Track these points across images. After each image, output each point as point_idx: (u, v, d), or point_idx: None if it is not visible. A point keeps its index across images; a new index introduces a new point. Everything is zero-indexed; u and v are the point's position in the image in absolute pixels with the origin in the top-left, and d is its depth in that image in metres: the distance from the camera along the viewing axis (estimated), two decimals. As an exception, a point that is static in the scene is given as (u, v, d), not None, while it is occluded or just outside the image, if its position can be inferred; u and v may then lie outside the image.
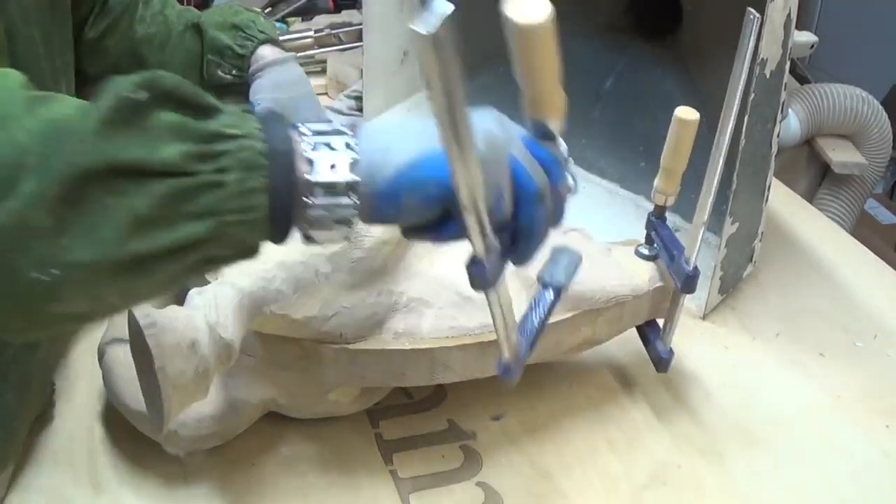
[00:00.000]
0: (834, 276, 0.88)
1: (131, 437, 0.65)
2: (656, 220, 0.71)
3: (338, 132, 0.45)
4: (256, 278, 0.57)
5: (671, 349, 0.69)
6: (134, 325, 0.51)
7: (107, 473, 0.62)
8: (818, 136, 1.39)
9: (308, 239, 0.45)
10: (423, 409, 0.70)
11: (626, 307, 0.68)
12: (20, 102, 0.39)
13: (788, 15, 0.72)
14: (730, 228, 0.77)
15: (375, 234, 0.61)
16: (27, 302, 0.39)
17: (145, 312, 0.51)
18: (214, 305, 0.54)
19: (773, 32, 0.70)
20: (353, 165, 0.43)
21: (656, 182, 0.69)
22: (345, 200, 0.43)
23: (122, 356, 0.62)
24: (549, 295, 0.58)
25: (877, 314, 0.83)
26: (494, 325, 0.52)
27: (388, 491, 0.63)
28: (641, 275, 0.69)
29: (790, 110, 1.33)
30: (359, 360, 0.60)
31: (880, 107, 1.37)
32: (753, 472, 0.66)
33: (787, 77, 0.75)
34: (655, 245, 0.71)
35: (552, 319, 0.63)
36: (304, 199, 0.43)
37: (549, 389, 0.71)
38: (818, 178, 1.44)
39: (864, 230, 1.53)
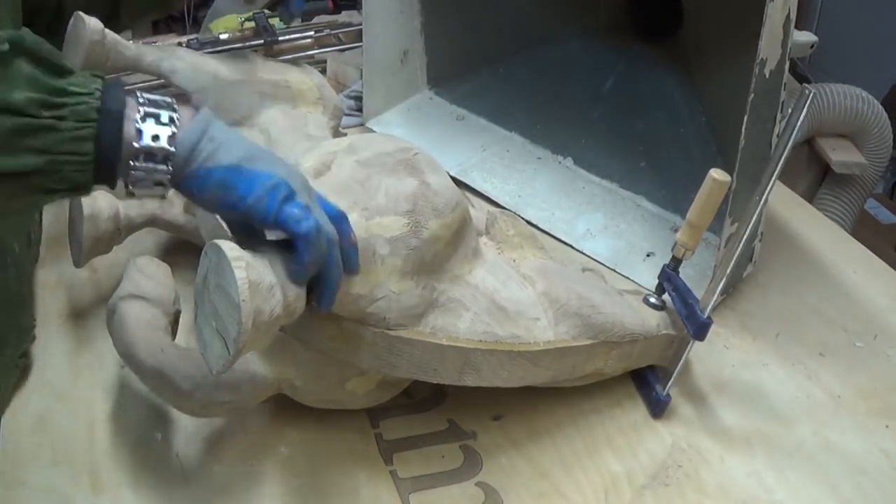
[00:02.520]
0: (834, 276, 0.88)
1: (131, 437, 0.65)
2: (671, 272, 0.72)
3: (169, 106, 0.51)
4: None
5: (668, 394, 0.70)
6: (217, 256, 0.51)
7: (107, 473, 0.62)
8: (818, 136, 1.39)
9: (130, 194, 0.52)
10: (423, 409, 0.70)
11: (637, 346, 0.70)
12: None
13: (788, 15, 0.72)
14: (730, 228, 0.77)
15: (433, 228, 0.61)
16: None
17: (232, 245, 0.51)
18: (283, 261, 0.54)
19: (773, 32, 0.70)
20: (171, 139, 0.51)
21: (679, 236, 0.71)
22: (161, 167, 0.51)
23: (139, 312, 0.63)
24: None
25: (877, 314, 0.83)
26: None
27: (388, 491, 0.63)
28: (651, 319, 0.71)
29: (790, 110, 1.33)
30: (395, 348, 0.61)
31: (880, 107, 1.37)
32: (753, 472, 0.66)
33: (787, 77, 0.75)
34: (664, 297, 0.74)
35: (571, 344, 0.66)
36: (130, 162, 0.50)
37: (549, 389, 0.71)
38: (818, 178, 1.44)
39: (864, 230, 1.53)
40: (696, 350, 0.76)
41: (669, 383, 0.70)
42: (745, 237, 0.66)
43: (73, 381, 0.70)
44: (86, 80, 0.50)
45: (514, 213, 0.78)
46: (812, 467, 0.66)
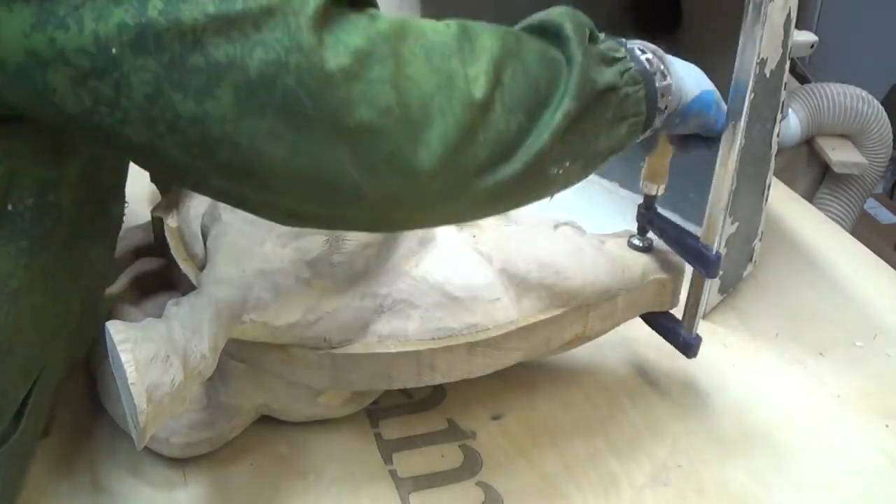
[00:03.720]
0: (834, 276, 0.88)
1: (131, 438, 0.64)
2: (652, 214, 0.69)
3: (655, 53, 0.56)
4: (233, 287, 0.56)
5: (698, 335, 0.68)
6: (109, 341, 0.51)
7: (107, 473, 0.62)
8: (818, 135, 1.39)
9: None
10: (422, 409, 0.70)
11: (619, 301, 0.67)
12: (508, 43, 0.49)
13: (788, 15, 0.72)
14: (730, 228, 0.77)
15: (356, 238, 0.60)
16: (532, 197, 0.52)
17: (118, 328, 0.50)
18: (190, 317, 0.53)
19: (773, 32, 0.70)
20: (666, 87, 0.56)
21: (643, 171, 0.68)
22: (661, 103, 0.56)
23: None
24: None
25: (877, 314, 0.83)
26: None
27: (388, 491, 0.63)
28: (634, 268, 0.68)
29: (790, 110, 1.33)
30: (344, 365, 0.60)
31: (880, 107, 1.37)
32: (753, 472, 0.66)
33: (787, 77, 0.75)
34: (649, 236, 0.70)
35: (538, 318, 0.63)
36: (659, 106, 0.55)
37: (549, 389, 0.71)
38: (818, 178, 1.44)
39: (864, 230, 1.53)
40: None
41: (696, 326, 0.68)
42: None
43: (72, 381, 0.70)
44: (615, 45, 0.54)
45: None
46: (812, 467, 0.66)
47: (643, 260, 0.69)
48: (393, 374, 0.61)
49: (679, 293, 0.71)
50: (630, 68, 0.53)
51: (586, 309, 0.66)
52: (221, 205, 0.62)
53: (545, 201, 0.54)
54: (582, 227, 0.71)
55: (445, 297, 0.62)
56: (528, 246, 0.66)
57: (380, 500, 0.62)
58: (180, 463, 0.63)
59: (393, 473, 0.64)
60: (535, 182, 0.50)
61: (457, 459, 0.65)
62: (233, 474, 0.63)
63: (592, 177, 0.99)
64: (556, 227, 0.70)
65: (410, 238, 0.63)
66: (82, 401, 0.68)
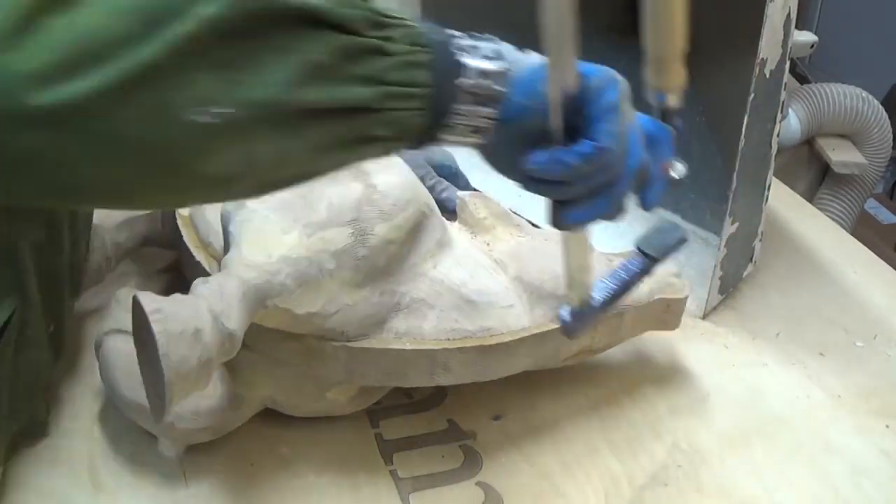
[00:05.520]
0: (834, 276, 0.88)
1: (131, 437, 0.65)
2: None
3: (490, 39, 0.45)
4: (261, 271, 0.57)
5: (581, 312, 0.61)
6: (138, 312, 0.51)
7: (107, 473, 0.62)
8: (818, 135, 1.39)
9: (439, 139, 0.44)
10: (423, 409, 0.70)
11: (626, 317, 0.68)
12: None
13: (788, 15, 0.72)
14: (730, 228, 0.77)
15: (381, 233, 0.61)
16: (176, 155, 0.36)
17: (151, 298, 0.51)
18: (220, 295, 0.54)
19: (773, 32, 0.70)
20: (500, 77, 0.44)
21: (650, 78, 0.54)
22: (485, 111, 0.44)
23: (121, 347, 0.62)
24: (640, 262, 0.58)
25: (877, 314, 0.83)
26: (565, 262, 0.53)
27: (388, 491, 0.63)
28: (641, 286, 0.68)
29: (790, 110, 1.33)
30: (359, 359, 0.60)
31: (880, 107, 1.37)
32: (753, 472, 0.66)
33: (787, 77, 0.75)
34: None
35: (550, 327, 0.64)
36: (460, 79, 0.42)
37: (549, 389, 0.71)
38: (818, 178, 1.44)
39: (864, 230, 1.53)
40: (696, 349, 0.76)
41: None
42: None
43: (73, 381, 0.70)
44: (400, 12, 0.42)
45: (485, 194, 0.75)
46: (812, 467, 0.66)
47: (650, 279, 0.69)
48: (407, 372, 0.61)
49: (681, 315, 0.72)
50: (406, 26, 0.40)
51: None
52: None
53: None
54: (592, 245, 0.71)
55: (461, 300, 0.62)
56: (541, 257, 0.67)
57: (380, 500, 0.62)
58: (180, 463, 0.63)
59: (393, 473, 0.64)
60: (149, 120, 0.34)
61: (457, 460, 0.65)
62: (233, 475, 0.63)
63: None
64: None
65: (429, 240, 0.64)
66: (82, 400, 0.68)
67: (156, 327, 0.49)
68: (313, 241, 0.59)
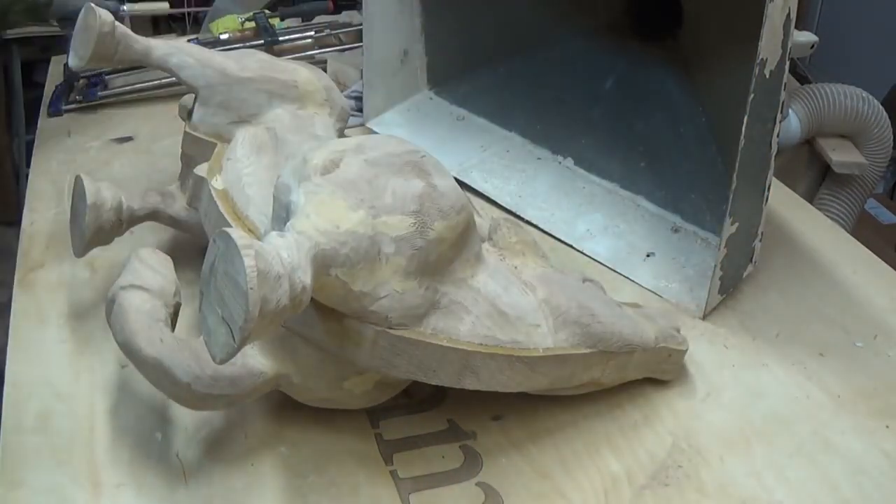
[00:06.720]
0: (834, 276, 0.88)
1: (131, 438, 0.65)
2: None
3: None
4: (330, 238, 0.57)
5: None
6: (226, 244, 0.51)
7: (107, 473, 0.62)
8: (818, 136, 1.39)
9: None
10: (423, 409, 0.70)
11: (634, 357, 0.70)
12: None
13: (788, 15, 0.72)
14: (730, 228, 0.77)
15: (438, 229, 0.61)
16: None
17: (240, 234, 0.51)
18: (295, 249, 0.54)
19: (773, 32, 0.70)
20: None
21: None
22: None
23: (137, 301, 0.62)
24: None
25: (877, 314, 0.83)
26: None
27: (388, 491, 0.63)
28: (649, 331, 0.71)
29: (790, 110, 1.33)
30: (396, 347, 0.60)
31: (880, 107, 1.37)
32: (753, 472, 0.66)
33: (787, 77, 0.75)
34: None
35: (571, 352, 0.66)
36: None
37: (549, 389, 0.71)
38: (818, 178, 1.44)
39: (864, 230, 1.53)
40: (696, 349, 0.76)
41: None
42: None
43: (73, 381, 0.70)
44: None
45: (517, 221, 0.78)
46: (812, 467, 0.66)
47: (657, 326, 0.72)
48: (437, 369, 0.62)
49: (680, 368, 0.74)
50: None
51: (609, 356, 0.68)
52: (311, 166, 0.63)
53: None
54: (603, 287, 0.74)
55: (495, 310, 0.64)
56: (567, 287, 0.69)
57: (380, 500, 0.62)
58: (180, 463, 0.63)
59: (393, 474, 0.64)
60: None
61: (457, 460, 0.66)
62: (233, 475, 0.63)
63: (592, 177, 1.00)
64: (583, 280, 0.73)
65: (470, 250, 0.65)
66: (82, 400, 0.68)
67: (247, 262, 0.49)
68: (377, 222, 0.60)
